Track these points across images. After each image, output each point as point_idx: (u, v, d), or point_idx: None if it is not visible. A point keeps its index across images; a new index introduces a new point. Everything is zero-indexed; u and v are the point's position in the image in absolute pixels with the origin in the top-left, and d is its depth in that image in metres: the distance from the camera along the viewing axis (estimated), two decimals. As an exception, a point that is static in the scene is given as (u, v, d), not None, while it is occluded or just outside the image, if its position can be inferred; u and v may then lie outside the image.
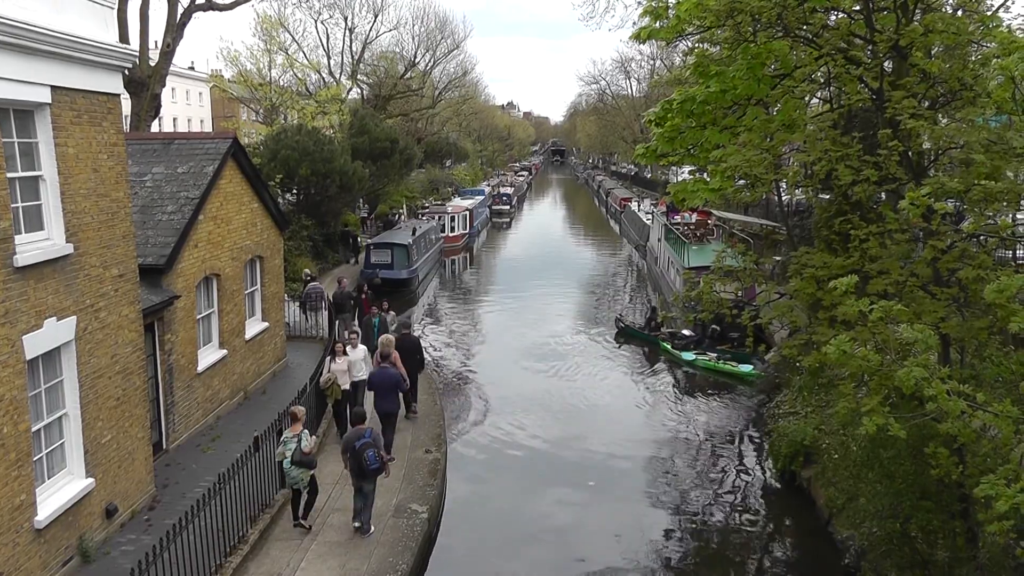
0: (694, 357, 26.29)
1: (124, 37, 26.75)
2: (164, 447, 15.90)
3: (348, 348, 17.41)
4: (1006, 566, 10.60)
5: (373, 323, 21.34)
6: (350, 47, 57.71)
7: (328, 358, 17.32)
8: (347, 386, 16.76)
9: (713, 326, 26.69)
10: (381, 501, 14.38)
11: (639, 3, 30.74)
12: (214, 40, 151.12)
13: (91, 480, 12.19)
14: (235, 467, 12.22)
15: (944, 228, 9.95)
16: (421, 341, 22.59)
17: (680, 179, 23.04)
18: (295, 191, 37.84)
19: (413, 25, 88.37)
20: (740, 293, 22.09)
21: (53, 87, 11.04)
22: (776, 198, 20.52)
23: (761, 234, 34.87)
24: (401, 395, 17.10)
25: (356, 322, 23.64)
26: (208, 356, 17.79)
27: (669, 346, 27.50)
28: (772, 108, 14.43)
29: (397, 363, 17.08)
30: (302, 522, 13.35)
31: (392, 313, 22.44)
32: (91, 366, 12.16)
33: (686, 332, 27.65)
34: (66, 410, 11.81)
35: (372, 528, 13.32)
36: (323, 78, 56.41)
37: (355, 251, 40.90)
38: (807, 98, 17.58)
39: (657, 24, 13.71)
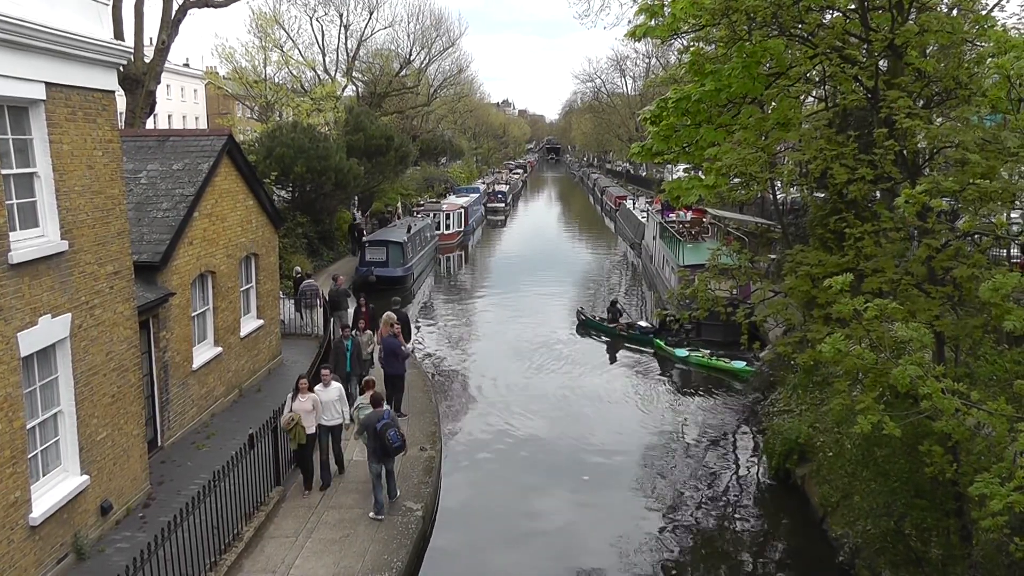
0: (687, 353, 26.36)
1: (119, 34, 26.70)
2: (159, 444, 15.89)
3: (320, 386, 14.96)
4: (999, 563, 10.64)
5: (346, 347, 18.50)
6: (345, 44, 57.73)
7: (290, 395, 14.82)
8: (312, 429, 14.46)
9: (667, 318, 27.94)
10: (374, 499, 14.42)
11: (634, 1, 30.75)
12: (209, 37, 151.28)
13: (86, 477, 12.17)
14: (230, 464, 12.23)
15: (939, 227, 9.99)
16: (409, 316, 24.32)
17: (675, 177, 23.09)
18: (290, 188, 37.79)
19: (408, 22, 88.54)
20: (735, 291, 22.13)
21: (48, 84, 11.01)
22: (771, 196, 20.56)
23: (756, 232, 34.91)
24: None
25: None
26: (203, 353, 17.77)
27: (662, 342, 27.63)
28: (767, 107, 14.47)
29: (399, 336, 18.65)
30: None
31: (369, 332, 19.60)
32: (86, 363, 12.14)
33: (642, 324, 29.40)
34: (61, 407, 11.79)
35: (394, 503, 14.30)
36: (318, 75, 56.33)
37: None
38: (802, 97, 17.61)
39: (652, 22, 13.73)
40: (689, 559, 14.88)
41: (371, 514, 13.75)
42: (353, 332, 18.93)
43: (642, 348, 28.19)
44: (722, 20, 12.67)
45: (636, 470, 18.52)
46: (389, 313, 19.73)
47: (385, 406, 14.36)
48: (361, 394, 15.35)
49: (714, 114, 13.72)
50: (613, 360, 27.50)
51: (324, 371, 15.22)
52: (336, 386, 15.10)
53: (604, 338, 29.88)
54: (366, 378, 16.14)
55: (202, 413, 17.59)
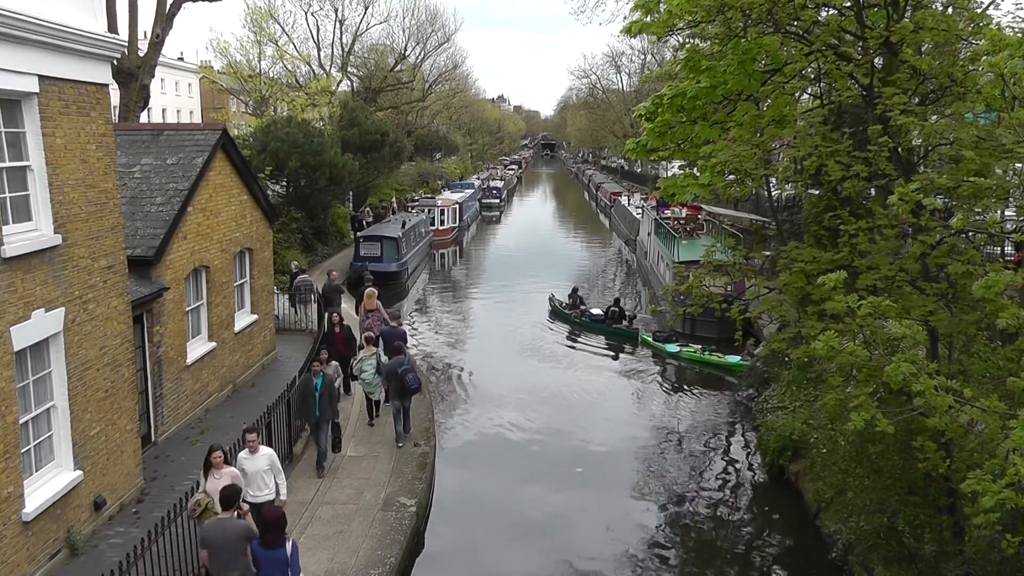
0: (678, 349, 26.41)
1: (113, 27, 26.54)
2: (153, 440, 15.85)
3: (244, 452, 11.90)
4: (991, 559, 10.69)
5: (315, 386, 15.20)
6: (340, 39, 57.60)
7: (201, 472, 11.43)
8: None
9: (612, 308, 30.39)
10: (370, 495, 14.44)
11: (630, -3, 30.64)
12: (204, 31, 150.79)
13: (79, 472, 12.14)
14: (223, 460, 12.17)
15: (933, 224, 10.00)
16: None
17: (670, 174, 23.14)
18: (284, 183, 37.69)
19: (403, 18, 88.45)
20: (730, 287, 22.14)
21: (41, 77, 10.95)
22: (766, 193, 20.58)
23: (751, 229, 34.95)
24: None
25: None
26: (197, 348, 17.72)
27: (649, 338, 27.76)
28: (762, 104, 14.46)
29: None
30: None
31: (334, 363, 17.15)
32: (79, 358, 12.10)
33: (594, 311, 31.07)
34: (54, 402, 11.75)
35: (407, 438, 16.85)
36: (313, 70, 56.17)
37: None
38: (797, 94, 17.62)
39: (648, 19, 13.68)
40: (682, 554, 14.91)
41: (397, 444, 16.61)
42: (322, 368, 15.60)
43: (592, 335, 29.74)
44: (717, 17, 12.66)
45: (629, 464, 18.54)
46: (371, 289, 21.23)
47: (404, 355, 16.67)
48: (362, 349, 17.39)
49: (709, 111, 13.67)
50: (607, 356, 27.52)
51: (251, 436, 11.94)
52: (266, 452, 12.05)
53: (565, 324, 31.33)
54: (366, 335, 17.75)
55: (196, 408, 17.56)
